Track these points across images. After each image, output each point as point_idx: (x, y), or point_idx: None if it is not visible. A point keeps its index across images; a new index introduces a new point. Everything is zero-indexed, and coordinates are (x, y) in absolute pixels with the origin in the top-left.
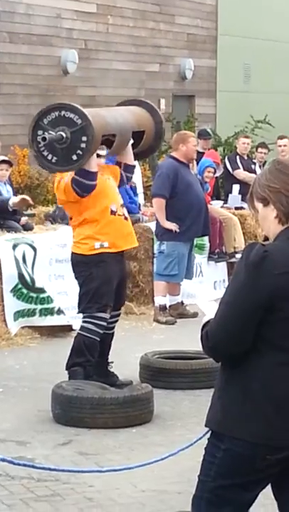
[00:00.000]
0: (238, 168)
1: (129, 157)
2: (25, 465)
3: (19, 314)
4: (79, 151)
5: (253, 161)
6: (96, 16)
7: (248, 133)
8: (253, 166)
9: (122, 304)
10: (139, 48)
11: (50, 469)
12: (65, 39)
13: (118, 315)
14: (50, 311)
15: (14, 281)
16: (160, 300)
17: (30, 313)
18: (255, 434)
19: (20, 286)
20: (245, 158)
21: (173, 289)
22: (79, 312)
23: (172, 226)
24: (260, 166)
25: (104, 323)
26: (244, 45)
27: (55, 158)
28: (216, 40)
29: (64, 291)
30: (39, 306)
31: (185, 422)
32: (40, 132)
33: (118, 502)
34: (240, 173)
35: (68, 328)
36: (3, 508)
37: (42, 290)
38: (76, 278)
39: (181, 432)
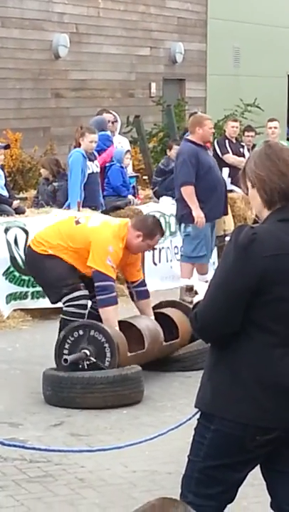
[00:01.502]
0: (228, 152)
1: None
2: (15, 446)
3: (11, 297)
4: (106, 363)
5: (242, 144)
6: (87, 0)
7: (238, 116)
8: (241, 150)
9: None
10: (130, 31)
11: (40, 449)
12: (56, 23)
13: None
14: (42, 294)
15: (6, 264)
16: (186, 281)
17: (23, 296)
18: (245, 414)
19: (12, 269)
20: (234, 141)
21: (202, 268)
22: (54, 302)
23: (200, 217)
24: (248, 150)
25: (85, 302)
26: (234, 28)
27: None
28: (206, 24)
29: None
30: (31, 289)
31: (175, 403)
32: (67, 346)
33: (109, 482)
34: (230, 158)
35: (60, 311)
36: None
37: None
38: (33, 274)
39: (172, 413)
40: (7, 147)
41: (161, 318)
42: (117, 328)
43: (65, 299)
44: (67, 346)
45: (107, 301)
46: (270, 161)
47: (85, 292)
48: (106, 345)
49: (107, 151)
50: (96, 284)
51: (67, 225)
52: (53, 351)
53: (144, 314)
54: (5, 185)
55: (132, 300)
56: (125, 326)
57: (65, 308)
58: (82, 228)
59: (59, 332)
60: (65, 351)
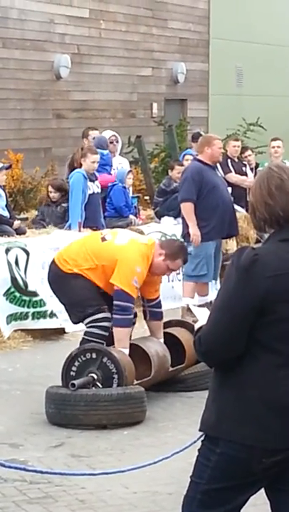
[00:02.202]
0: (230, 171)
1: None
2: (16, 468)
3: (12, 318)
4: (114, 383)
5: (244, 163)
6: (88, 21)
7: (240, 136)
8: (244, 169)
9: None
10: (132, 52)
11: (41, 472)
12: (57, 44)
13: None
14: (42, 315)
15: (7, 284)
16: (188, 301)
17: (23, 316)
18: (251, 436)
19: (13, 289)
20: (236, 160)
21: (201, 290)
22: (76, 322)
23: (196, 236)
24: (251, 169)
25: (107, 324)
26: (236, 48)
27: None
28: (208, 44)
29: None
30: (32, 310)
31: (176, 424)
32: (73, 370)
33: (110, 504)
34: (232, 177)
35: (61, 331)
36: None
37: (35, 293)
38: (55, 291)
39: (173, 434)
40: (9, 167)
41: (169, 339)
42: (128, 350)
43: (88, 319)
44: (76, 364)
45: (122, 322)
46: (259, 188)
47: (108, 315)
48: (115, 376)
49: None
50: (116, 303)
51: (93, 241)
52: (55, 371)
53: (154, 335)
54: (6, 205)
55: (144, 318)
56: (135, 347)
57: (87, 329)
58: (108, 245)
59: None
60: (73, 369)
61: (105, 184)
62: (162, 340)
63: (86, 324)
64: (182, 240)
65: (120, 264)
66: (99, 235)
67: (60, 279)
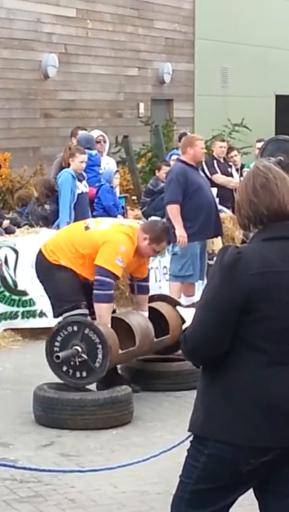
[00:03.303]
0: (216, 172)
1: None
2: (5, 465)
3: (1, 317)
4: (96, 363)
5: (230, 164)
6: (76, 21)
7: (226, 136)
8: (229, 169)
9: None
10: (118, 52)
11: (31, 469)
12: (45, 43)
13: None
14: (32, 314)
15: None
16: None
17: (13, 315)
18: (239, 435)
19: (2, 289)
20: (222, 161)
21: (188, 290)
22: (56, 316)
23: (183, 237)
24: (236, 170)
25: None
26: (221, 49)
27: (65, 367)
28: (193, 45)
29: None
30: (21, 309)
31: (165, 424)
32: (57, 344)
33: (99, 503)
34: (218, 178)
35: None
36: None
37: (24, 293)
38: (41, 281)
39: (161, 433)
40: None
41: (152, 313)
42: (109, 324)
43: (64, 315)
44: (59, 339)
45: (103, 297)
46: (245, 186)
47: (85, 311)
48: (99, 346)
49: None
50: (96, 278)
51: (77, 231)
52: (45, 370)
53: (139, 308)
54: None
55: (132, 292)
56: (117, 321)
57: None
58: (92, 233)
59: None
60: (56, 345)
61: (92, 194)
62: (146, 313)
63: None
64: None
65: (103, 246)
66: (82, 224)
67: (45, 270)
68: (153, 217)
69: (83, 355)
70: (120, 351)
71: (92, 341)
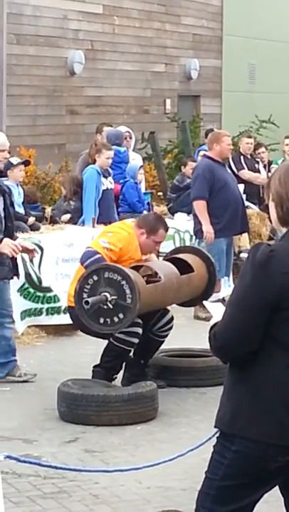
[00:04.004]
0: (243, 168)
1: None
2: (30, 462)
3: (26, 313)
4: (108, 320)
5: (256, 160)
6: (102, 17)
7: (253, 133)
8: (256, 166)
9: (165, 312)
10: (145, 48)
11: (56, 467)
12: (71, 40)
13: (169, 321)
14: (56, 310)
15: (21, 280)
16: None
17: (37, 312)
18: (266, 433)
19: (27, 285)
20: (249, 157)
21: None
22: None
23: (210, 233)
24: (264, 166)
25: (137, 330)
26: (249, 45)
27: (88, 306)
28: (221, 41)
29: None
30: (46, 305)
31: (190, 420)
32: (85, 295)
33: (123, 499)
34: (245, 174)
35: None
36: (11, 506)
37: (48, 289)
38: None
39: (186, 429)
40: (26, 163)
41: (176, 262)
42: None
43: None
44: (85, 296)
45: (82, 258)
46: (285, 181)
47: (139, 320)
48: (123, 282)
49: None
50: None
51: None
52: (68, 367)
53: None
54: (22, 202)
55: None
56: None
57: (116, 334)
58: (95, 239)
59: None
60: (85, 296)
61: (117, 191)
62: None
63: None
64: (194, 236)
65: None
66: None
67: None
68: (179, 214)
69: (113, 297)
70: (147, 285)
71: (115, 281)
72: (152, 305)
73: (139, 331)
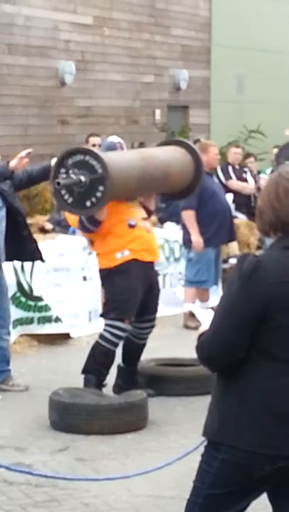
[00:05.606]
0: (231, 178)
1: (151, 203)
2: (21, 471)
3: (17, 322)
4: (93, 199)
5: (245, 170)
6: (92, 28)
7: (241, 143)
8: (244, 175)
9: (153, 315)
10: (135, 59)
11: (46, 476)
12: (62, 51)
13: (151, 326)
14: (48, 319)
15: (13, 289)
16: (190, 306)
17: (29, 321)
18: (253, 442)
19: (18, 294)
20: (237, 167)
21: (202, 296)
22: (100, 316)
23: (199, 243)
24: (252, 176)
25: (122, 334)
26: (237, 55)
27: (71, 199)
28: (209, 51)
29: (62, 299)
30: (37, 314)
31: (179, 428)
32: (63, 170)
33: (114, 507)
34: (233, 184)
35: (66, 336)
36: None
37: (40, 298)
38: (104, 288)
39: (175, 438)
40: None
41: None
42: None
43: (106, 318)
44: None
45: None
46: (268, 192)
47: (128, 327)
48: (87, 158)
49: None
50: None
51: None
52: (60, 376)
53: None
54: None
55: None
56: None
57: (102, 332)
58: None
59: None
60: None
61: None
62: None
63: (104, 324)
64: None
65: None
66: None
67: (106, 276)
68: (168, 223)
69: (86, 177)
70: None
71: (81, 162)
72: (132, 182)
73: (124, 335)
